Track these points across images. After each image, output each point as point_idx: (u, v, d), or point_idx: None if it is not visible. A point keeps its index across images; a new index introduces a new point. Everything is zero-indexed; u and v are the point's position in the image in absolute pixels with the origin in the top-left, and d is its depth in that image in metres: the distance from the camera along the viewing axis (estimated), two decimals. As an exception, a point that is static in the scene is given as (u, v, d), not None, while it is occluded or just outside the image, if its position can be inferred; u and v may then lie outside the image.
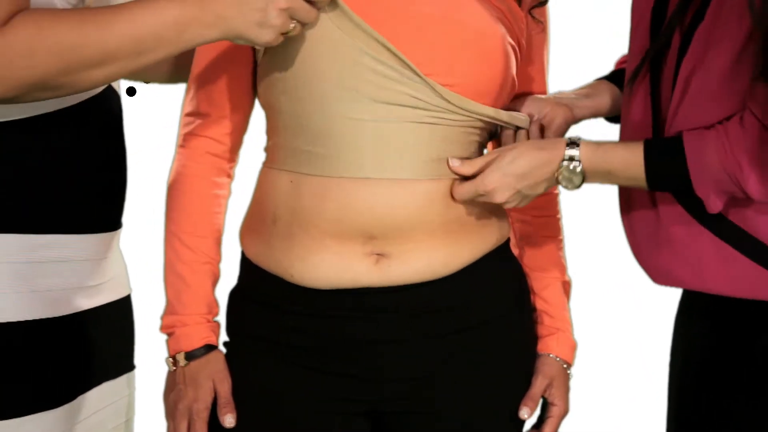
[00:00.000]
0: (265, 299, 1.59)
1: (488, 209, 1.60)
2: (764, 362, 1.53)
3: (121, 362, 1.63)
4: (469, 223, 1.58)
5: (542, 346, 1.67)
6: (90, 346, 1.54)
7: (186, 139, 1.63)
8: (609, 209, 1.71)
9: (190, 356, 1.59)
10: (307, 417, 1.58)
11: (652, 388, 1.73)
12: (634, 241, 1.62)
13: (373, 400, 1.58)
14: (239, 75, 1.61)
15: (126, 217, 1.62)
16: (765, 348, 1.53)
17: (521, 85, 1.64)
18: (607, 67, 1.78)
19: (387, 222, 1.52)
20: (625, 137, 1.62)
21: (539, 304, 1.69)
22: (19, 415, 1.43)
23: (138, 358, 1.67)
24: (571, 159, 1.51)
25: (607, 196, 1.68)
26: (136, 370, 1.67)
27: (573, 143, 1.52)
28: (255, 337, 1.60)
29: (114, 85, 1.57)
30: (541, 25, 1.65)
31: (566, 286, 1.72)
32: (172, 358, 1.60)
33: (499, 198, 1.53)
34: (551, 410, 1.66)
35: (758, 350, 1.54)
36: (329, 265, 1.54)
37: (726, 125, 1.47)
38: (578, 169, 1.51)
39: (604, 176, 1.53)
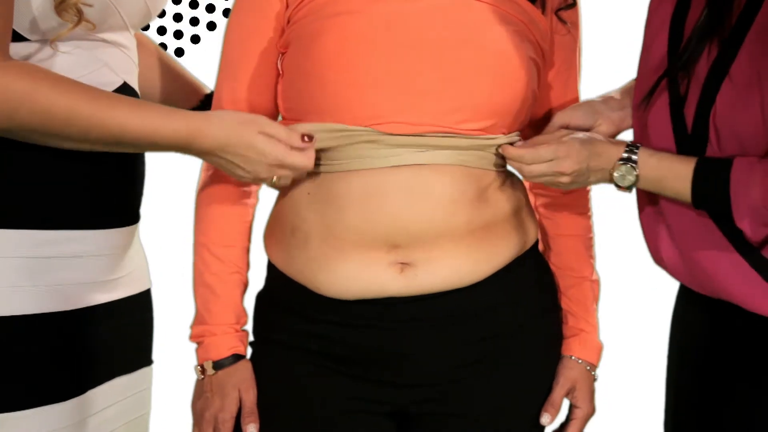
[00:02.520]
0: (291, 305, 1.59)
1: (515, 214, 1.60)
2: (762, 353, 1.53)
3: (138, 356, 1.63)
4: (496, 229, 1.57)
5: (565, 348, 1.66)
6: (103, 340, 1.54)
7: None
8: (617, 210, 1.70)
9: (218, 365, 1.60)
10: (331, 418, 1.57)
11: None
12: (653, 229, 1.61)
13: (399, 402, 1.58)
14: (265, 86, 1.60)
15: (146, 211, 1.61)
16: (762, 338, 1.53)
17: (540, 91, 1.63)
18: (608, 66, 1.78)
19: (412, 231, 1.51)
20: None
21: (564, 303, 1.68)
22: (26, 407, 1.44)
23: (157, 352, 1.67)
24: (629, 159, 1.53)
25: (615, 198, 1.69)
26: (154, 365, 1.66)
27: (632, 145, 1.55)
28: (281, 343, 1.60)
29: (131, 81, 1.57)
30: (567, 27, 1.64)
31: (594, 285, 1.70)
32: (200, 367, 1.61)
33: (568, 166, 1.53)
34: (575, 412, 1.65)
35: (755, 340, 1.53)
36: (354, 276, 1.53)
37: None
38: (633, 170, 1.53)
39: (654, 183, 1.54)
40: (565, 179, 1.54)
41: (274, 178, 1.51)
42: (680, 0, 1.57)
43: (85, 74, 1.48)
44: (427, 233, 1.51)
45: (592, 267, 1.70)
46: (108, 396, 1.55)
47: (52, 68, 1.44)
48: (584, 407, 1.65)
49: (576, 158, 1.54)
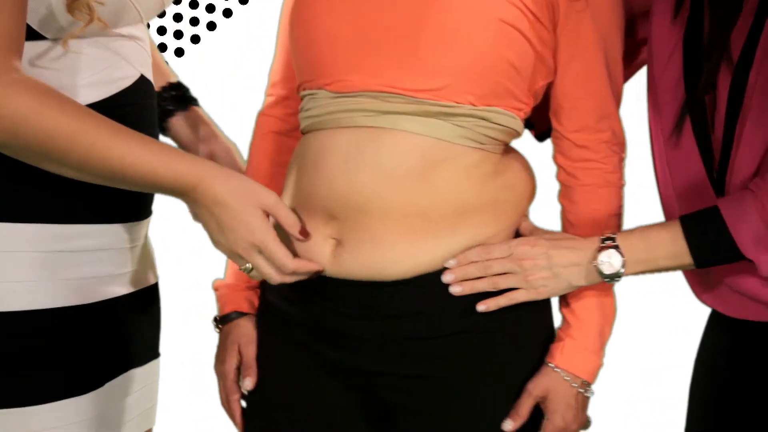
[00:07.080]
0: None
1: (483, 206, 1.48)
2: None
3: (149, 349, 1.66)
4: (442, 222, 1.45)
5: (548, 355, 1.52)
6: (119, 333, 1.57)
7: (257, 118, 1.69)
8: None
9: (223, 320, 1.65)
10: (295, 387, 1.56)
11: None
12: None
13: (353, 366, 1.52)
14: (289, 59, 1.63)
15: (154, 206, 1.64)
16: None
17: (541, 74, 1.51)
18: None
19: (345, 202, 1.44)
20: (678, 171, 1.56)
21: (563, 308, 1.55)
22: (48, 400, 1.46)
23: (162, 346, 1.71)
24: (610, 245, 1.45)
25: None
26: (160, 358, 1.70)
27: (606, 237, 1.46)
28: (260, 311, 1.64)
29: (147, 74, 1.59)
30: (582, 2, 1.48)
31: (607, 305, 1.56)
32: (215, 321, 1.67)
33: (528, 260, 1.45)
34: (544, 425, 1.51)
35: None
36: (293, 247, 1.49)
37: (760, 182, 1.42)
38: (616, 254, 1.44)
39: (645, 261, 1.46)
40: (535, 276, 1.45)
41: (248, 265, 1.47)
42: (690, 26, 1.52)
43: (104, 69, 1.50)
44: (360, 207, 1.43)
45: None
46: (124, 388, 1.58)
47: (71, 65, 1.45)
48: (553, 419, 1.50)
49: (534, 254, 1.45)
